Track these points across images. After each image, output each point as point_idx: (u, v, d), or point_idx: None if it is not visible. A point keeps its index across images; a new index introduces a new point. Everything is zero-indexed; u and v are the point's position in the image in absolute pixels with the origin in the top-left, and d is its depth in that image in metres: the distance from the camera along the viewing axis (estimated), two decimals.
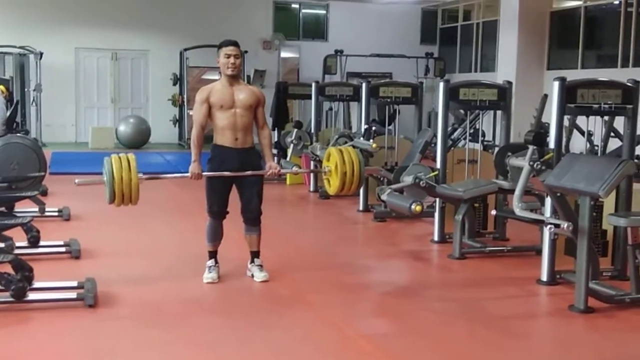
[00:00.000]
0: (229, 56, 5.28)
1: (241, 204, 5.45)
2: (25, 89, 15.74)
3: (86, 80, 17.70)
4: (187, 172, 5.28)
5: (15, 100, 12.40)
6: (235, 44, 5.38)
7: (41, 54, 16.03)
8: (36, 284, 4.85)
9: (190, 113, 17.07)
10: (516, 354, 4.33)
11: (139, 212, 8.15)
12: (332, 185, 5.59)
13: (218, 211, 5.39)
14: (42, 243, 6.15)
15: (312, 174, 10.33)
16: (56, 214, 7.87)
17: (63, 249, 6.16)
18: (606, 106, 5.78)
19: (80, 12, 17.07)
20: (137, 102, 17.96)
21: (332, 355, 4.15)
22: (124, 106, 17.78)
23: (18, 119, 12.55)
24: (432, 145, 7.79)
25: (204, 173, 5.29)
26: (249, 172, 5.32)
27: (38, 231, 6.17)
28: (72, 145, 16.50)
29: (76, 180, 5.35)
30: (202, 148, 5.36)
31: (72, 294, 4.80)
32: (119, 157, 4.98)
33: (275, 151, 10.93)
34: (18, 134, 10.01)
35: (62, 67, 17.10)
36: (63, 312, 4.69)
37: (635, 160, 9.06)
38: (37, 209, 7.65)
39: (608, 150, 9.70)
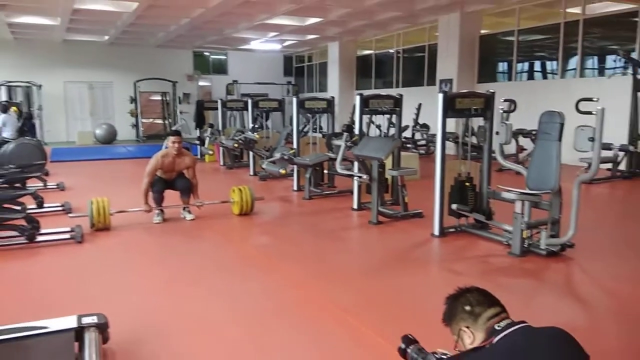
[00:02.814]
0: (174, 142, 5.22)
1: (177, 187, 5.38)
2: (31, 109, 14.72)
3: (72, 102, 16.47)
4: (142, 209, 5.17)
5: (23, 116, 11.52)
6: (178, 134, 5.37)
7: (40, 85, 15.06)
8: (42, 231, 4.54)
9: (143, 121, 16.44)
10: (340, 250, 4.49)
11: (111, 184, 7.78)
12: (235, 211, 5.63)
13: (158, 190, 5.25)
14: (45, 205, 5.71)
15: (220, 155, 10.12)
16: (55, 186, 7.28)
17: (60, 208, 5.73)
18: (386, 109, 6.02)
19: (67, 58, 15.87)
20: (107, 114, 16.74)
21: (235, 258, 4.15)
22: (98, 118, 16.58)
23: (26, 127, 11.66)
24: (291, 135, 7.83)
25: (153, 208, 5.20)
26: (186, 206, 5.40)
27: (42, 198, 5.72)
28: (65, 143, 15.36)
29: (69, 215, 5.14)
30: (148, 196, 5.20)
31: (67, 235, 4.53)
32: (97, 201, 4.86)
33: (197, 142, 10.65)
34: (27, 137, 9.55)
35: (55, 94, 15.90)
36: (61, 247, 4.40)
37: (403, 139, 9.57)
38: (41, 184, 7.09)
39: (389, 134, 10.16)
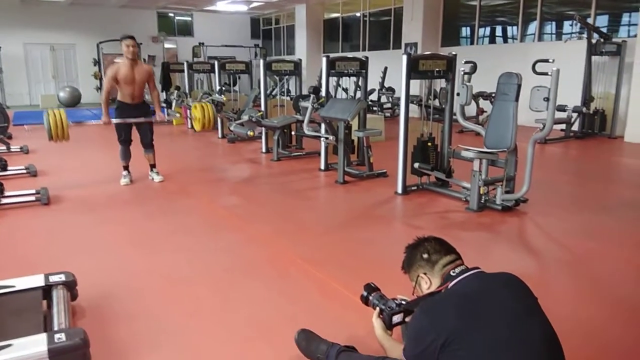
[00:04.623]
0: (128, 46, 4.77)
1: (140, 136, 5.13)
2: None
3: (33, 64, 15.63)
4: (101, 121, 4.90)
5: None
6: (132, 37, 4.87)
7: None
8: (7, 193, 4.38)
9: None
10: (307, 208, 4.50)
11: (75, 146, 7.47)
12: (197, 127, 5.59)
13: (124, 140, 5.02)
14: (9, 168, 5.49)
15: (188, 119, 9.87)
16: (18, 150, 6.97)
17: (24, 171, 5.53)
18: (352, 71, 5.95)
19: (26, 18, 14.93)
20: (70, 77, 16.05)
21: (204, 217, 4.11)
22: (61, 80, 15.88)
23: None
24: (259, 97, 7.68)
25: (112, 120, 4.88)
26: (142, 119, 4.99)
27: (6, 161, 5.51)
28: (28, 107, 14.66)
29: (25, 127, 4.80)
30: (108, 106, 4.90)
31: (32, 197, 4.38)
32: (53, 112, 4.60)
33: (164, 105, 10.33)
34: None
35: (15, 56, 15.09)
36: (27, 209, 4.26)
37: (369, 102, 9.55)
38: (4, 147, 6.81)
39: (356, 97, 10.10)
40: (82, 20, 15.59)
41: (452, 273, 1.62)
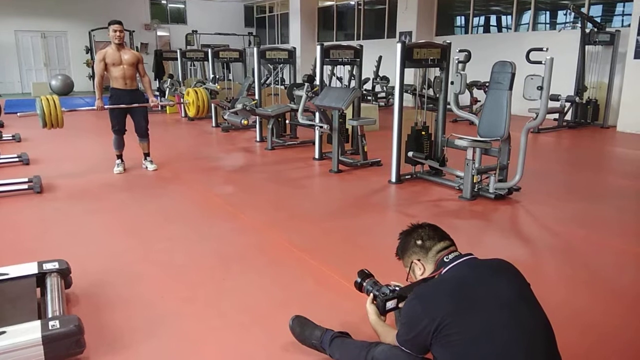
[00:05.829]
0: (115, 31, 4.73)
1: (134, 125, 5.07)
2: None
3: (25, 52, 15.36)
4: (95, 106, 4.82)
5: None
6: (119, 22, 4.80)
7: None
8: None
9: None
10: (301, 197, 4.49)
11: (68, 134, 7.42)
12: (191, 112, 5.45)
13: (118, 129, 4.97)
14: (1, 156, 5.43)
15: (182, 108, 9.80)
16: (10, 138, 6.89)
17: (17, 159, 5.46)
18: (346, 59, 5.91)
19: (17, 5, 14.66)
20: (62, 65, 15.83)
21: (198, 206, 4.10)
22: (53, 68, 15.65)
23: None
24: (252, 86, 7.62)
25: (106, 106, 4.82)
26: (135, 105, 4.93)
27: None
28: (20, 95, 14.51)
29: (18, 114, 4.72)
30: (102, 91, 4.85)
31: (25, 186, 4.34)
32: (47, 97, 4.49)
33: (157, 93, 10.24)
34: None
35: (6, 44, 14.83)
36: (20, 197, 4.22)
37: (363, 91, 9.52)
38: None
39: (350, 85, 10.06)
40: (73, 7, 15.36)
41: (445, 259, 1.62)
